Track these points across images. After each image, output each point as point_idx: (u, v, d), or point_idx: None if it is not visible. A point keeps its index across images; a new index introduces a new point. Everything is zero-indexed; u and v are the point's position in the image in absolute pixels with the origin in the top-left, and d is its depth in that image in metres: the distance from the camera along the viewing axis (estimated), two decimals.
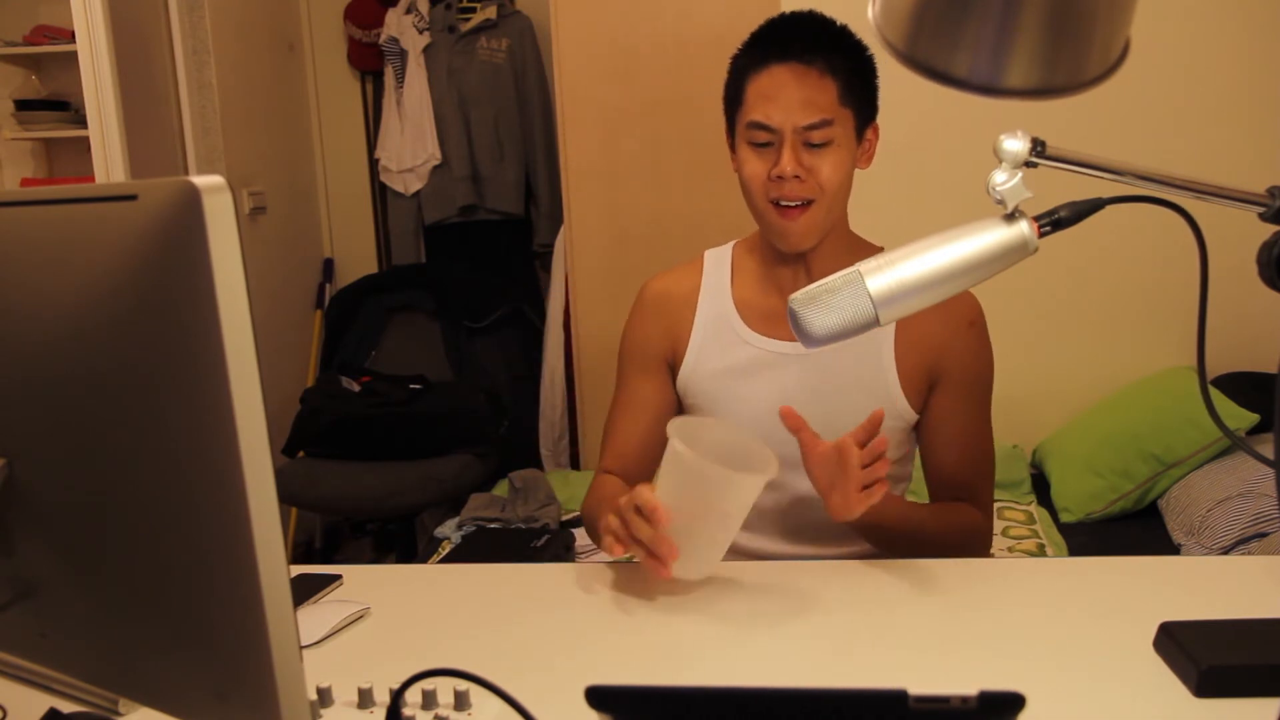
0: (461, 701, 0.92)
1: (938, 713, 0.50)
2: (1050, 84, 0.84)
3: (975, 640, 1.05)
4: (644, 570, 1.19)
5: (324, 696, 0.95)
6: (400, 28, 3.70)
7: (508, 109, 3.68)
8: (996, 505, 2.63)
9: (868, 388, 1.36)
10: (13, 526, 0.69)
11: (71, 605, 0.69)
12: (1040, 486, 2.73)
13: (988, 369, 1.41)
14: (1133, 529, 2.43)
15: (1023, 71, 0.83)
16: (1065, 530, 2.47)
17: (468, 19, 3.66)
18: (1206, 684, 0.91)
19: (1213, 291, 0.92)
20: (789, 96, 1.28)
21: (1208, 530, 2.17)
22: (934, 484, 1.43)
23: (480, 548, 2.43)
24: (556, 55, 2.98)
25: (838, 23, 1.33)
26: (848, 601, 1.16)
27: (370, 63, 3.86)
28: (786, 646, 1.06)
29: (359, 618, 1.16)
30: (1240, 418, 2.34)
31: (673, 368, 1.45)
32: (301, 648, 0.77)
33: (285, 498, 2.99)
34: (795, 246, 1.34)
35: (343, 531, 3.80)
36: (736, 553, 1.43)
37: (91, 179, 2.76)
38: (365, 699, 0.94)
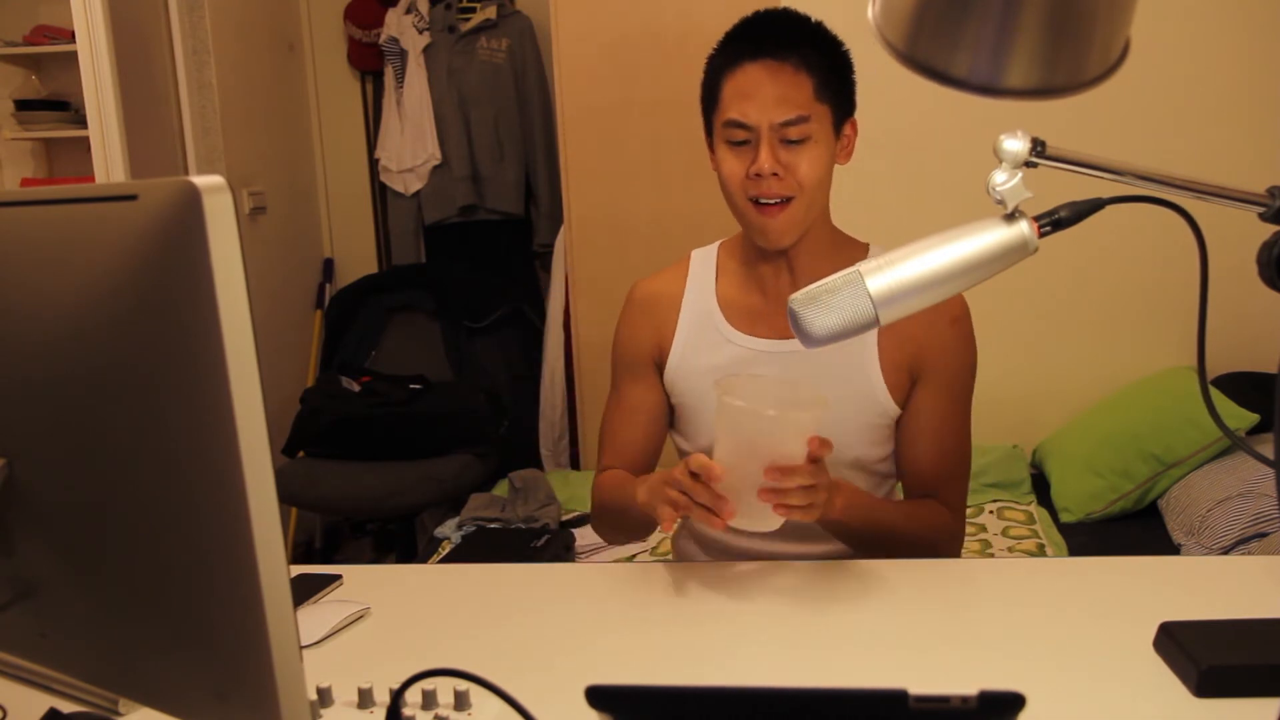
0: (461, 701, 0.92)
1: (938, 713, 0.50)
2: (1050, 84, 0.84)
3: (975, 640, 1.05)
4: (700, 525, 1.24)
5: (324, 696, 0.95)
6: (400, 28, 3.70)
7: (508, 109, 3.68)
8: (996, 505, 2.63)
9: (851, 384, 1.36)
10: (13, 526, 0.69)
11: (71, 605, 0.69)
12: (1040, 486, 2.73)
13: (969, 367, 1.40)
14: (1133, 529, 2.43)
15: (1023, 71, 0.83)
16: (1065, 530, 2.47)
17: (468, 19, 3.66)
18: (1206, 684, 0.91)
19: (1213, 291, 0.92)
20: (764, 94, 1.29)
21: (1208, 530, 2.17)
22: (907, 479, 1.43)
23: (480, 548, 2.43)
24: (556, 55, 2.98)
25: (812, 19, 1.34)
26: (848, 601, 1.16)
27: (370, 63, 3.86)
28: (787, 646, 1.06)
29: (359, 618, 1.16)
30: (1240, 418, 2.34)
31: (660, 368, 1.46)
32: (301, 648, 0.77)
33: (285, 498, 2.99)
34: (776, 243, 1.34)
35: (343, 531, 3.80)
36: (732, 553, 1.43)
37: (91, 179, 2.75)
38: (365, 699, 0.94)
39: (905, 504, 1.42)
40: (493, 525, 2.63)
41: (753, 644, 1.07)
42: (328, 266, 3.99)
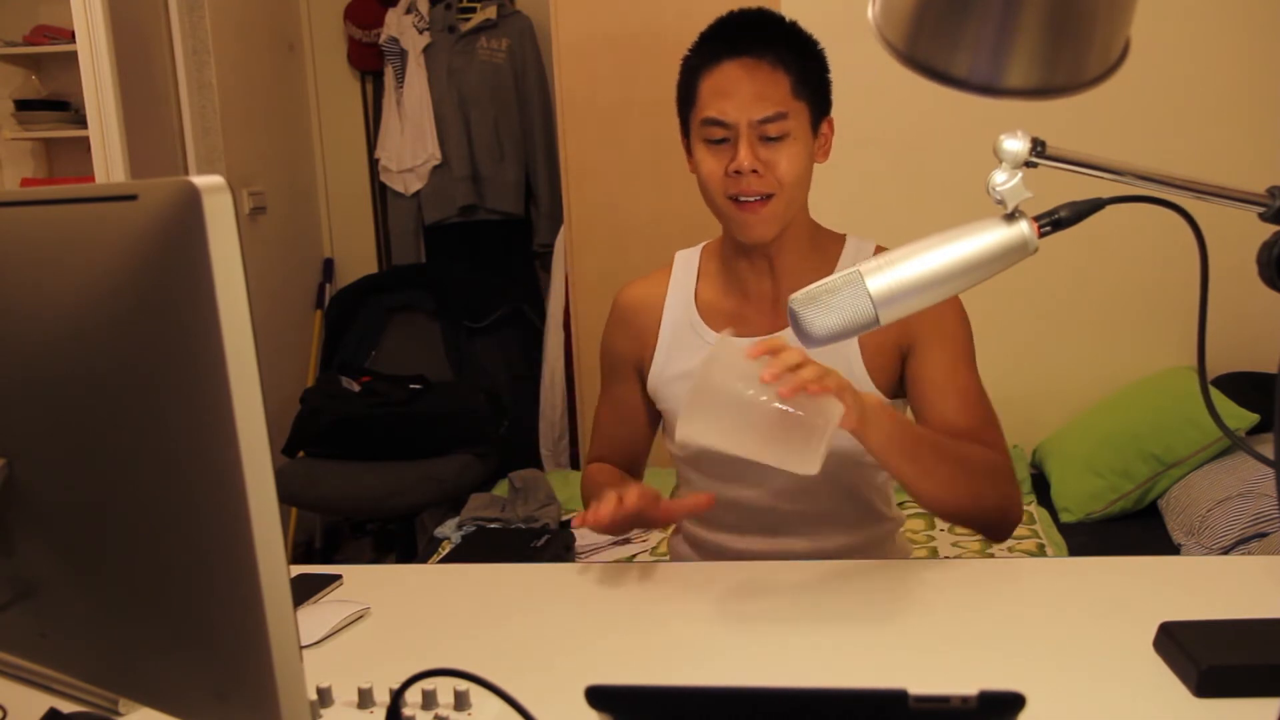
0: (461, 701, 0.92)
1: (938, 713, 0.50)
2: (1050, 84, 0.84)
3: (975, 640, 1.05)
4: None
5: (324, 696, 0.95)
6: (400, 28, 3.70)
7: (508, 109, 3.68)
8: None
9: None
10: (13, 526, 0.69)
11: (71, 605, 0.69)
12: (1040, 486, 2.73)
13: (963, 325, 1.37)
14: (1133, 529, 2.43)
15: (1023, 71, 0.83)
16: (1065, 530, 2.47)
17: (468, 19, 3.66)
18: (1206, 684, 0.91)
19: (1213, 291, 0.92)
20: (742, 91, 1.29)
21: (1208, 530, 2.17)
22: None
23: (480, 548, 2.43)
24: (556, 55, 2.98)
25: (787, 18, 1.35)
26: (848, 601, 1.16)
27: (370, 63, 3.85)
28: (786, 646, 1.06)
29: (359, 618, 1.16)
30: (1240, 418, 2.34)
31: (641, 374, 1.48)
32: (301, 648, 0.78)
33: (285, 498, 2.99)
34: (758, 239, 1.35)
35: (343, 531, 3.80)
36: (725, 554, 1.43)
37: (91, 179, 2.75)
38: (365, 699, 0.94)
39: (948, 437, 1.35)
40: (493, 525, 2.63)
41: (753, 644, 1.07)
42: (328, 266, 3.99)
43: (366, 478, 3.03)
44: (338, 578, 1.27)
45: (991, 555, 2.32)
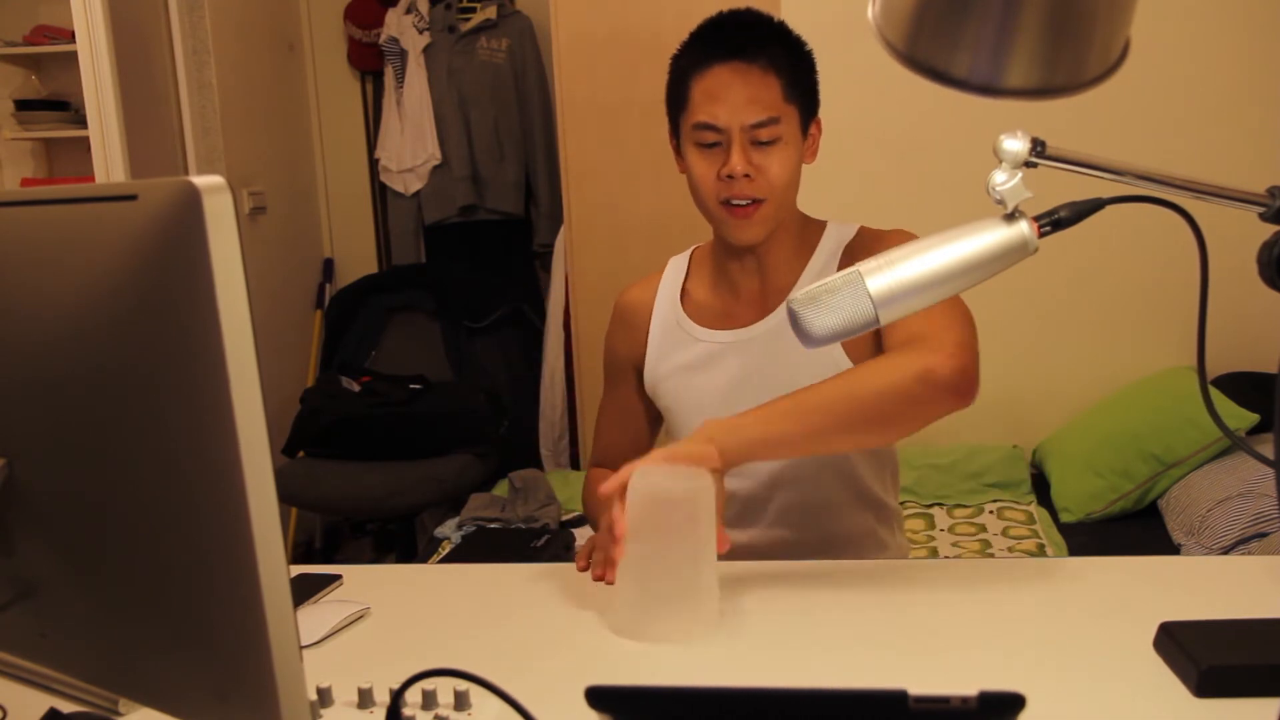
0: (461, 701, 0.92)
1: (938, 713, 0.50)
2: (1050, 84, 0.84)
3: (975, 640, 1.05)
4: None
5: (324, 696, 0.95)
6: (400, 28, 3.70)
7: (508, 109, 3.68)
8: (996, 505, 2.63)
9: (812, 360, 1.35)
10: (13, 526, 0.69)
11: (71, 605, 0.69)
12: (1040, 486, 2.73)
13: None
14: (1133, 529, 2.43)
15: (1023, 71, 0.83)
16: (1065, 530, 2.47)
17: (468, 19, 3.66)
18: (1206, 684, 0.91)
19: (1213, 291, 0.92)
20: (735, 95, 1.29)
21: (1208, 530, 2.17)
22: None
23: (480, 548, 2.43)
24: (556, 55, 2.98)
25: (775, 19, 1.35)
26: (848, 601, 1.16)
27: (370, 63, 3.85)
28: (786, 646, 1.06)
29: (359, 618, 1.16)
30: (1240, 418, 2.34)
31: (639, 374, 1.50)
32: (301, 648, 0.78)
33: (285, 498, 2.99)
34: (749, 241, 1.36)
35: (343, 531, 3.80)
36: (734, 550, 1.42)
37: (91, 179, 2.75)
38: (365, 699, 0.94)
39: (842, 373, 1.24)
40: (493, 525, 2.63)
41: (752, 644, 1.07)
42: (328, 266, 3.99)
43: (366, 478, 3.03)
44: (338, 578, 1.27)
45: (991, 555, 2.32)
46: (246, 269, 0.56)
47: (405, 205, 3.81)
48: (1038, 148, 0.89)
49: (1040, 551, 2.34)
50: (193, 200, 0.55)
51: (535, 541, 2.38)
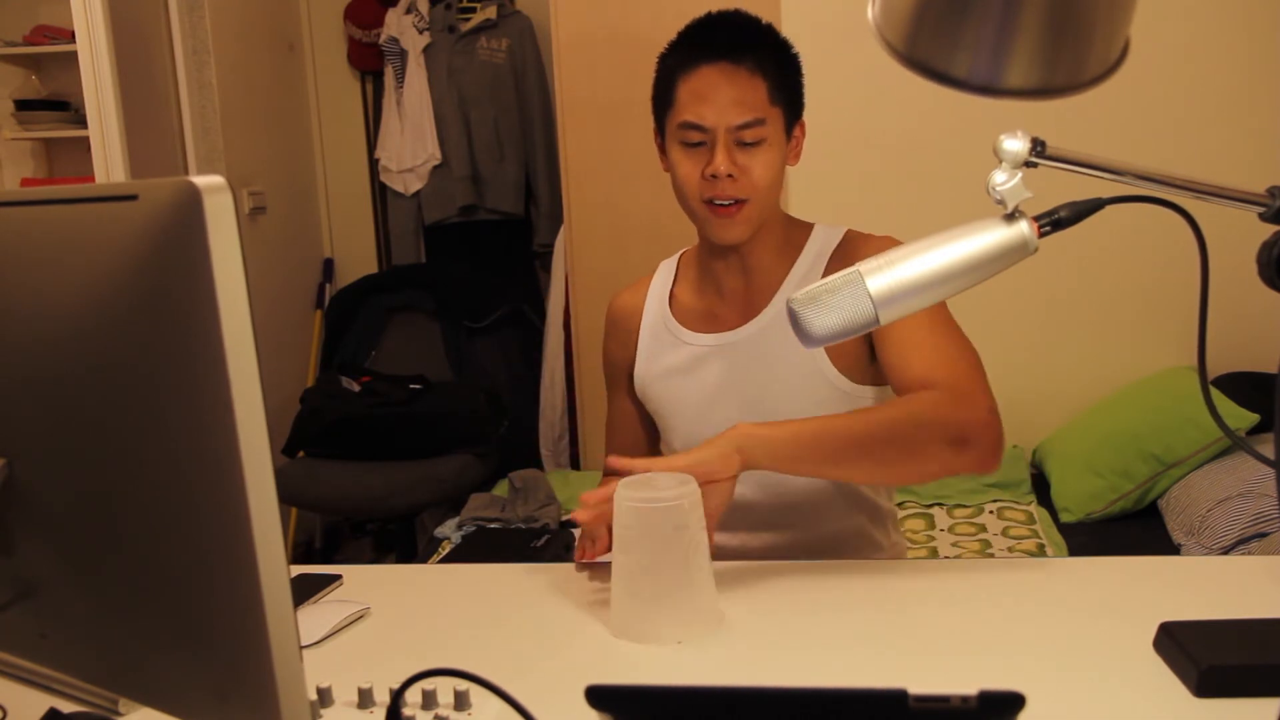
0: (461, 701, 0.92)
1: (938, 713, 0.50)
2: (1050, 84, 0.84)
3: (975, 640, 1.05)
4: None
5: (324, 696, 0.95)
6: (400, 28, 3.70)
7: (508, 109, 3.68)
8: (996, 505, 2.63)
9: (795, 362, 1.36)
10: (13, 526, 0.69)
11: (72, 605, 0.69)
12: (1040, 486, 2.73)
13: None
14: (1133, 529, 2.43)
15: (1023, 71, 0.83)
16: (1065, 530, 2.47)
17: (468, 19, 3.66)
18: (1206, 684, 0.91)
19: (1213, 291, 0.92)
20: (721, 96, 1.29)
21: (1208, 530, 2.17)
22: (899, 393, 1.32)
23: (480, 548, 2.43)
24: (556, 55, 2.98)
25: (763, 21, 1.35)
26: (848, 601, 1.16)
27: (370, 63, 3.86)
28: (786, 647, 1.06)
29: (359, 618, 1.16)
30: (1240, 418, 2.34)
31: (630, 377, 1.50)
32: (301, 648, 0.78)
33: (285, 498, 2.99)
34: (732, 241, 1.36)
35: (343, 531, 3.80)
36: (720, 553, 1.43)
37: (91, 179, 2.76)
38: (365, 699, 0.94)
39: (872, 408, 1.30)
40: (493, 525, 2.63)
41: (752, 644, 1.07)
42: (328, 266, 3.99)
43: (366, 478, 3.03)
44: (338, 578, 1.27)
45: (991, 555, 2.32)
46: (247, 269, 0.56)
47: (405, 205, 3.81)
48: (1038, 148, 0.89)
49: (1040, 551, 2.34)
50: (193, 200, 0.55)
51: (535, 541, 2.38)
